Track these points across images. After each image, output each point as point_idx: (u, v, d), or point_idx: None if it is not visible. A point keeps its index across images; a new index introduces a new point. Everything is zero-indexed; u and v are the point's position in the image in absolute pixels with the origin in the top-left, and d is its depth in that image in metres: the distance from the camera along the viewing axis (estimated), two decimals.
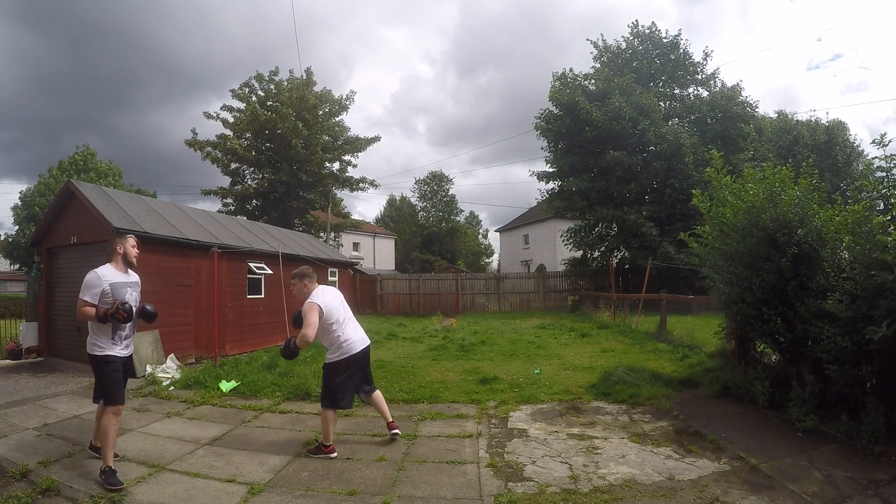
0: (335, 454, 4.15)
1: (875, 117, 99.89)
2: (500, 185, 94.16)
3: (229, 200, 25.46)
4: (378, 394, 4.62)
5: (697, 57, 21.69)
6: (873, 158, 4.56)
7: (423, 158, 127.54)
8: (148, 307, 3.94)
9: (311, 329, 3.95)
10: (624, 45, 22.16)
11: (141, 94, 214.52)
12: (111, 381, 3.70)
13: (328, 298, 4.20)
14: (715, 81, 21.19)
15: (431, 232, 47.42)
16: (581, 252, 22.37)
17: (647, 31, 21.91)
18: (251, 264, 10.40)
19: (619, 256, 20.45)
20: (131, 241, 4.04)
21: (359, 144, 26.59)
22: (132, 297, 3.85)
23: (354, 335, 4.32)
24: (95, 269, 3.80)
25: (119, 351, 3.79)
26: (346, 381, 4.21)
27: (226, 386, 6.56)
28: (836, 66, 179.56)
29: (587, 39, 26.83)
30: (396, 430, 4.55)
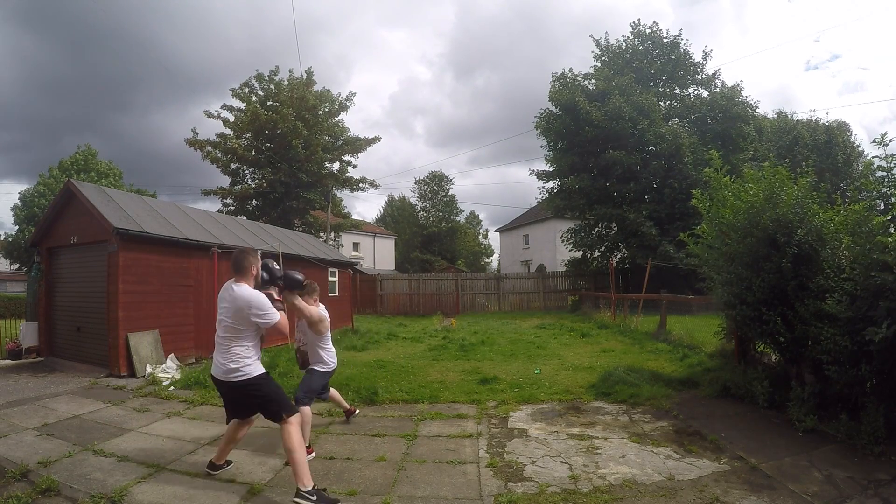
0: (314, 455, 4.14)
1: (871, 118, 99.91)
2: (499, 185, 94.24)
3: (229, 200, 25.46)
4: (334, 390, 5.16)
5: (697, 57, 21.71)
6: (873, 158, 4.56)
7: (422, 159, 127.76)
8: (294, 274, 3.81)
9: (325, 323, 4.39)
10: (625, 44, 22.18)
11: (141, 95, 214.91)
12: (280, 391, 3.54)
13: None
14: (715, 82, 21.21)
15: (431, 232, 47.41)
16: (581, 252, 22.39)
17: (647, 31, 21.91)
18: None
19: (618, 256, 20.46)
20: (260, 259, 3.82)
21: (359, 145, 26.60)
22: None
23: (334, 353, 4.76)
24: (255, 292, 3.47)
25: None
26: (321, 386, 4.62)
27: None
28: (835, 66, 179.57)
29: (590, 36, 26.64)
30: (356, 412, 5.32)
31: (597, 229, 21.66)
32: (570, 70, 21.61)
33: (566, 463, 3.91)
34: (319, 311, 4.30)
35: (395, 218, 52.21)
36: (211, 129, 68.83)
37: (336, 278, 14.85)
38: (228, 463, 3.88)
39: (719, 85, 20.89)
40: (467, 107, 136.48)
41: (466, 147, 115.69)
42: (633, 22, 22.48)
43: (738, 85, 19.88)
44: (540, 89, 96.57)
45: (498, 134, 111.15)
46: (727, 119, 19.35)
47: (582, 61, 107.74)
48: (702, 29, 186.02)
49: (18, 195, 26.63)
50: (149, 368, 7.50)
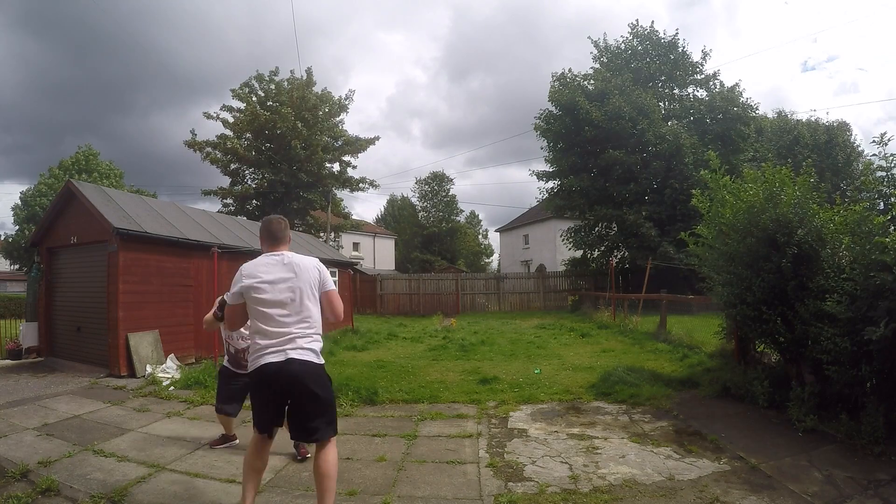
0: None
1: (866, 118, 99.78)
2: (497, 185, 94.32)
3: (229, 201, 25.47)
4: None
5: (696, 57, 21.71)
6: (872, 157, 4.57)
7: (420, 160, 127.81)
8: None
9: None
10: (623, 45, 22.18)
11: (142, 97, 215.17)
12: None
13: None
14: (714, 82, 21.20)
15: (432, 232, 47.35)
16: (581, 252, 22.39)
17: (646, 31, 21.90)
18: None
19: (618, 256, 20.46)
20: None
21: (359, 145, 26.61)
22: None
23: None
24: None
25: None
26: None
27: None
28: (832, 67, 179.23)
29: (588, 37, 26.44)
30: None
31: (597, 229, 21.64)
32: (570, 70, 21.64)
33: (566, 463, 3.91)
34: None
35: (396, 218, 52.19)
36: (211, 131, 68.95)
37: (336, 278, 14.85)
38: None
39: (718, 85, 20.89)
40: (463, 109, 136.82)
41: (464, 148, 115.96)
42: (632, 23, 22.47)
43: (738, 86, 19.89)
44: (534, 91, 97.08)
45: (494, 135, 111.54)
46: (727, 120, 19.33)
47: (576, 63, 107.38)
48: (697, 31, 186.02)
49: (20, 195, 26.66)
50: (149, 368, 7.50)
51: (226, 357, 4.30)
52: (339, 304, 2.97)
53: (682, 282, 15.23)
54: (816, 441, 4.22)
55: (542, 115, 21.45)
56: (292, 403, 2.77)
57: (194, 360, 8.77)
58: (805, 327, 4.69)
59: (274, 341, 2.71)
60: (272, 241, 3.04)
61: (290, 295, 2.77)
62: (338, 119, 26.63)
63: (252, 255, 11.50)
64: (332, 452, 2.80)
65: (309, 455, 3.91)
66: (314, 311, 2.85)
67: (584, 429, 4.78)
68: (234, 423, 4.39)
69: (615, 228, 20.82)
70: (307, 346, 2.75)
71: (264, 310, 2.75)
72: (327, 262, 14.31)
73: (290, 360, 2.68)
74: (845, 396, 4.46)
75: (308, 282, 2.84)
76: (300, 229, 24.00)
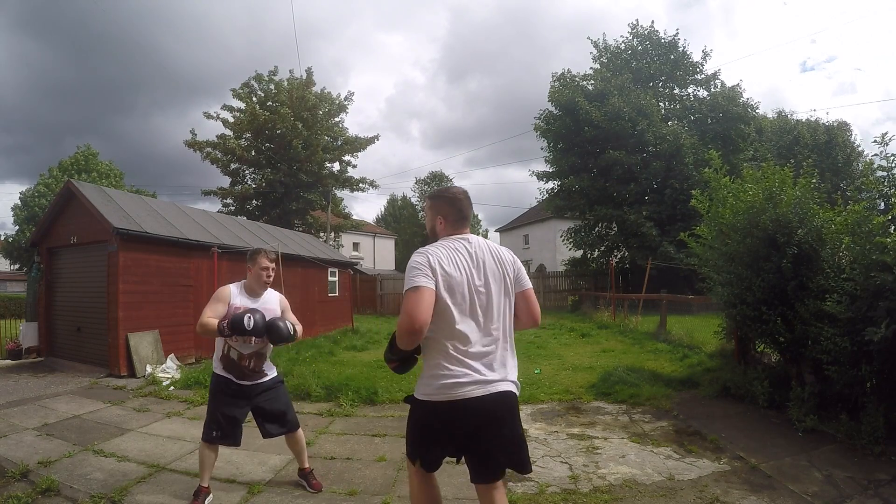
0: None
1: (864, 118, 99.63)
2: (496, 185, 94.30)
3: (229, 201, 25.46)
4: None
5: (696, 57, 21.70)
6: (873, 157, 4.57)
7: (419, 160, 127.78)
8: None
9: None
10: (623, 45, 22.18)
11: (142, 98, 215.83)
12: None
13: None
14: (714, 82, 21.20)
15: None
16: (581, 252, 22.39)
17: (646, 31, 21.91)
18: None
19: (618, 256, 20.46)
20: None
21: (358, 144, 26.61)
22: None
23: None
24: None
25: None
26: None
27: None
28: (831, 67, 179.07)
29: (588, 38, 26.52)
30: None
31: (597, 229, 21.65)
32: (569, 70, 21.65)
33: (566, 463, 3.90)
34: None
35: (396, 218, 52.20)
36: (211, 131, 68.96)
37: (336, 278, 14.85)
38: None
39: (719, 85, 20.89)
40: (462, 110, 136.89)
41: (463, 149, 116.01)
42: (632, 22, 22.47)
43: (739, 86, 19.89)
44: (533, 92, 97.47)
45: (493, 136, 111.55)
46: (727, 119, 19.33)
47: (574, 64, 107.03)
48: (695, 32, 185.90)
49: (19, 195, 26.66)
50: (149, 368, 7.50)
51: (219, 363, 3.29)
52: (537, 305, 2.29)
53: (682, 282, 15.23)
54: (816, 441, 4.21)
55: (541, 115, 21.46)
56: (480, 443, 2.10)
57: (194, 360, 8.77)
58: (805, 327, 4.69)
59: (473, 365, 1.97)
60: (458, 220, 2.26)
61: (485, 295, 2.05)
62: (337, 119, 26.66)
63: None
64: (504, 491, 2.21)
65: (323, 489, 3.44)
66: (509, 317, 2.14)
67: (584, 429, 4.78)
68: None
69: (615, 228, 20.82)
70: (511, 374, 2.07)
71: (456, 317, 1.99)
72: (327, 262, 14.32)
73: (497, 395, 1.97)
74: (845, 396, 4.46)
75: (503, 277, 2.13)
76: (300, 229, 24.00)
